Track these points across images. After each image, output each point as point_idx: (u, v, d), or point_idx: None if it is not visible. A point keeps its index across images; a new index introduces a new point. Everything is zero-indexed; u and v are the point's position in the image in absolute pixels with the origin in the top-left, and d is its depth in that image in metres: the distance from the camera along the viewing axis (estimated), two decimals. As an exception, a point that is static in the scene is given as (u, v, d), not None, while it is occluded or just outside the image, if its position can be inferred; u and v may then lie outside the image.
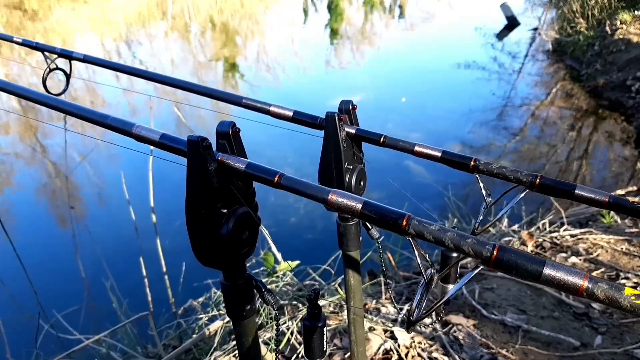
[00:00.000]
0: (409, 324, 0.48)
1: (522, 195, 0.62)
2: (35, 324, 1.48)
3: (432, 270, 0.46)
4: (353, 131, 0.69)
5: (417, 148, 0.66)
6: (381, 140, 0.68)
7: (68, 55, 0.90)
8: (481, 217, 0.65)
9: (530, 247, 1.99)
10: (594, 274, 1.69)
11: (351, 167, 0.70)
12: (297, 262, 1.74)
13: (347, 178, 0.69)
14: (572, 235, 2.10)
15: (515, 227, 2.25)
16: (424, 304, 0.47)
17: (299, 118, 0.72)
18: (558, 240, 2.05)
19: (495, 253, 0.37)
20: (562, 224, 2.24)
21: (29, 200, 3.94)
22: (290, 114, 0.73)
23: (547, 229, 2.19)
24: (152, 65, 8.20)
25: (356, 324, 0.84)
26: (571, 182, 0.59)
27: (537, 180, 0.60)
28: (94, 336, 1.51)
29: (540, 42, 7.53)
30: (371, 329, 1.40)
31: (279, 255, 1.90)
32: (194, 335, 1.61)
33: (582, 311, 1.54)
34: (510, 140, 4.78)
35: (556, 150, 4.54)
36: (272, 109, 0.74)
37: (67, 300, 1.98)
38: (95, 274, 2.26)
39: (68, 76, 0.99)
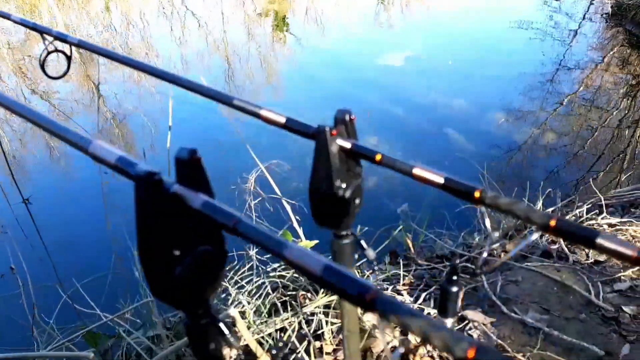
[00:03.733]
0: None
1: (535, 237, 0.53)
2: (55, 293, 1.52)
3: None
4: (348, 146, 0.61)
5: (415, 171, 0.58)
6: (377, 158, 0.60)
7: (63, 39, 0.85)
8: (485, 255, 0.57)
9: (564, 237, 1.87)
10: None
11: (344, 185, 0.63)
12: (315, 241, 1.69)
13: (339, 196, 0.62)
14: (610, 225, 1.96)
15: (550, 210, 2.12)
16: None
17: (291, 126, 0.65)
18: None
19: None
20: (602, 211, 2.09)
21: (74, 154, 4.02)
22: (283, 120, 0.65)
23: (585, 217, 2.05)
24: (204, 17, 8.13)
25: (350, 340, 0.79)
26: (593, 228, 0.50)
27: (553, 223, 0.51)
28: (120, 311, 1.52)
29: (600, 4, 6.96)
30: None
31: (300, 232, 1.85)
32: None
33: (612, 315, 1.43)
34: (559, 105, 4.51)
35: (607, 119, 4.26)
36: (262, 112, 0.67)
37: (95, 267, 2.01)
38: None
39: (69, 58, 0.94)
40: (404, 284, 1.60)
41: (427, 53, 5.90)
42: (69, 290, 1.50)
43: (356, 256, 0.74)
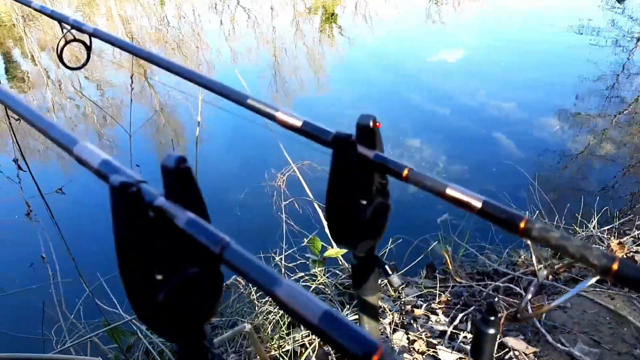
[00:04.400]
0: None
1: (591, 282, 0.43)
2: (79, 287, 1.51)
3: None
4: (371, 156, 0.53)
5: (449, 191, 0.48)
6: (404, 174, 0.51)
7: (80, 28, 0.80)
8: (529, 296, 0.47)
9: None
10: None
11: (364, 202, 0.54)
12: (345, 250, 1.60)
13: (359, 215, 0.54)
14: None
15: (605, 231, 1.94)
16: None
17: (308, 130, 0.57)
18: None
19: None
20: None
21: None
22: (299, 124, 0.57)
23: (646, 239, 1.86)
24: (253, 12, 8.20)
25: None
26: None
27: (614, 266, 0.41)
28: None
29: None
30: (411, 341, 1.26)
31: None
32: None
33: (673, 352, 1.28)
34: (620, 114, 4.22)
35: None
36: (278, 115, 0.59)
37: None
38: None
39: (89, 48, 0.90)
40: (439, 302, 1.49)
41: (479, 53, 5.69)
42: (92, 286, 1.49)
43: (380, 281, 0.66)
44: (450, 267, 1.69)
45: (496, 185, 3.01)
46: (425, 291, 1.56)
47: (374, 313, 0.67)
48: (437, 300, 1.51)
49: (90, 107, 4.77)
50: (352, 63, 5.75)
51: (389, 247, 1.85)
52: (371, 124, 0.54)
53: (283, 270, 1.54)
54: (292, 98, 4.96)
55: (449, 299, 1.53)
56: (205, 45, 6.81)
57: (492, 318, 0.56)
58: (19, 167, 1.77)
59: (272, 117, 0.60)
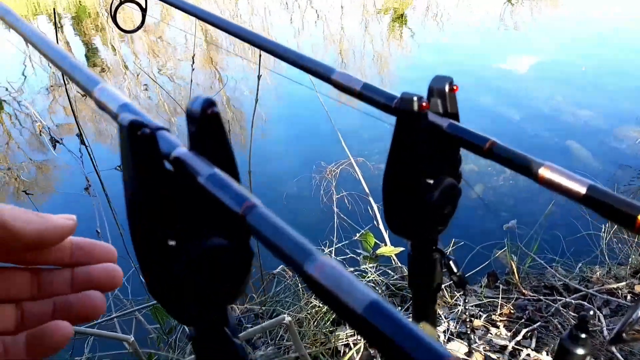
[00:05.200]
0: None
1: None
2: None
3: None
4: (444, 125, 0.44)
5: (543, 171, 0.38)
6: (485, 146, 0.41)
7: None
8: (620, 326, 0.36)
9: None
10: None
11: (431, 180, 0.45)
12: (401, 249, 1.50)
13: (423, 196, 0.45)
14: None
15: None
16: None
17: (368, 95, 0.48)
18: None
19: None
20: None
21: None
22: (358, 87, 0.49)
23: None
24: (323, 10, 8.21)
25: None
26: None
27: None
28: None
29: None
30: (468, 353, 1.14)
31: (386, 235, 1.68)
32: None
33: None
34: None
35: None
36: (334, 77, 0.51)
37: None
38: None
39: (144, 10, 0.86)
40: (501, 314, 1.36)
41: (557, 58, 5.36)
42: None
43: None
44: (515, 278, 1.54)
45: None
46: (485, 301, 1.43)
47: (432, 316, 0.57)
48: (499, 311, 1.37)
49: (161, 97, 4.90)
50: (420, 65, 5.58)
51: (449, 250, 1.72)
52: (447, 87, 0.45)
53: (335, 257, 1.46)
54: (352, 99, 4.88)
55: (511, 311, 1.39)
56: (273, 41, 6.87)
57: (583, 336, 0.45)
58: (82, 142, 1.81)
59: (327, 79, 0.52)
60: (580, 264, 1.76)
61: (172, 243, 0.32)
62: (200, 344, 0.38)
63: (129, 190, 0.32)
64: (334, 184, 1.87)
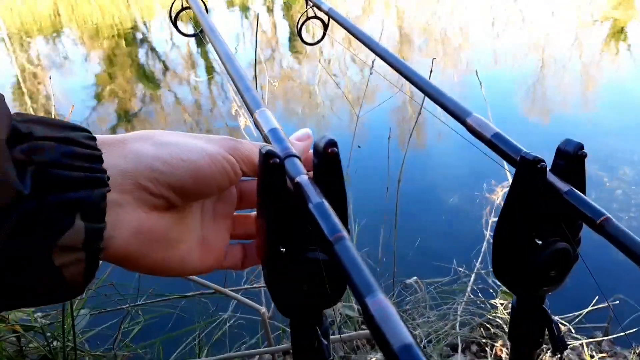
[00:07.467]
0: None
1: None
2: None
3: None
4: (563, 190, 0.43)
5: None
6: (598, 221, 0.41)
7: (318, 6, 0.86)
8: None
9: None
10: None
11: (540, 242, 0.45)
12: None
13: (528, 255, 0.45)
14: None
15: None
16: None
17: (497, 143, 0.49)
18: None
19: None
20: None
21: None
22: (489, 134, 0.50)
23: None
24: (529, 16, 7.71)
25: None
26: None
27: None
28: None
29: None
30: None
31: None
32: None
33: None
34: None
35: None
36: (469, 120, 0.53)
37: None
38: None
39: (325, 27, 0.96)
40: (607, 340, 1.19)
41: None
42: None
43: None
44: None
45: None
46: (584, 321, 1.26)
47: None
48: (601, 336, 1.20)
49: (349, 85, 5.15)
50: (635, 87, 4.89)
51: (607, 305, 1.55)
52: (574, 152, 0.44)
53: (469, 289, 1.42)
54: (548, 111, 4.51)
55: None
56: (468, 43, 6.67)
57: None
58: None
59: (462, 121, 0.54)
60: None
61: (282, 249, 0.40)
62: (295, 335, 0.45)
63: (259, 201, 0.40)
64: (494, 207, 1.79)
